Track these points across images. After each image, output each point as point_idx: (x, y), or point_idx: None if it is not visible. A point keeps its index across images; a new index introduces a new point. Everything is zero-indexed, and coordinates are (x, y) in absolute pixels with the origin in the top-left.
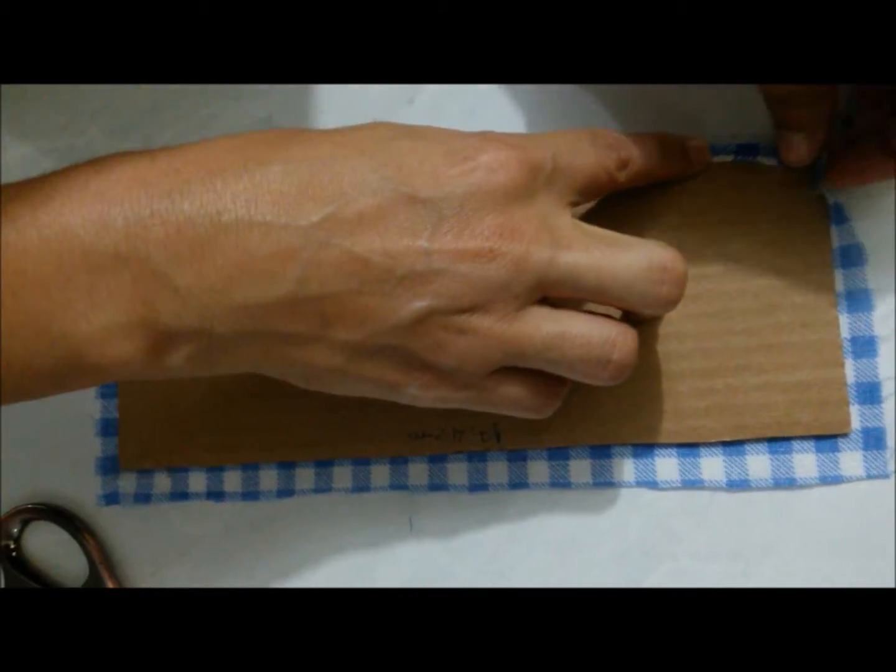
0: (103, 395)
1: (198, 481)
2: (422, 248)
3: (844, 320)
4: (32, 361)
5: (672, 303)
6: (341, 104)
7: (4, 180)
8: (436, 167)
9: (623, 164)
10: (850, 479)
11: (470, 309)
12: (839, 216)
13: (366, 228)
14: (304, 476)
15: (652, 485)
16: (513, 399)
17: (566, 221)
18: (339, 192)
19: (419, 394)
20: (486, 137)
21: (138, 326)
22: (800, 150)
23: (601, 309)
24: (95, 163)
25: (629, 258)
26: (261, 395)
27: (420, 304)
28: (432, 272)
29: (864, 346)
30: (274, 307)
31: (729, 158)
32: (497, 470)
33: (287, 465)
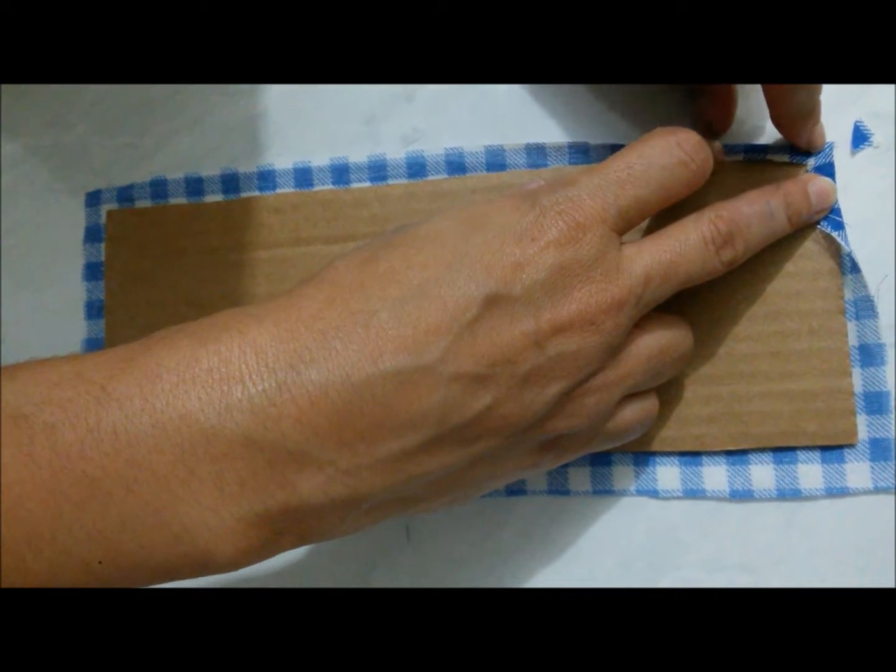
0: None
1: None
2: (532, 341)
3: (852, 328)
4: (147, 559)
5: None
6: (338, 100)
7: None
8: (514, 258)
9: (730, 265)
10: (856, 492)
11: (591, 374)
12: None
13: (480, 342)
14: None
15: (652, 493)
16: (632, 425)
17: (625, 252)
18: (450, 316)
19: (553, 464)
20: (544, 209)
21: (278, 513)
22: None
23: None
24: (197, 330)
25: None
26: None
27: (550, 393)
28: (549, 360)
29: (873, 355)
30: (419, 450)
31: (739, 157)
32: None
33: None
